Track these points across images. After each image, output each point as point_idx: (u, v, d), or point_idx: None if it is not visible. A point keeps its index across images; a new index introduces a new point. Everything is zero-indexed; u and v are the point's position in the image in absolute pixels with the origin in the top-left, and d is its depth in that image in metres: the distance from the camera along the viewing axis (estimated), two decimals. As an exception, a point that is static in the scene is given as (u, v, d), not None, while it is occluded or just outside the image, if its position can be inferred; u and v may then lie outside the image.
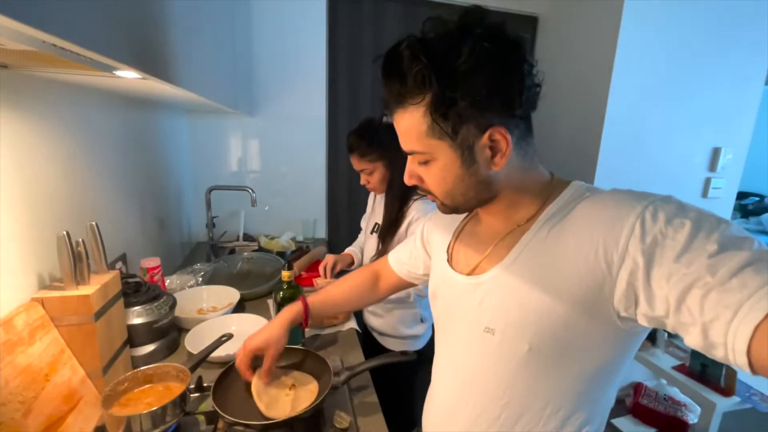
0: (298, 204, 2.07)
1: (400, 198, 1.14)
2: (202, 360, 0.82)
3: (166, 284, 1.21)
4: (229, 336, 0.91)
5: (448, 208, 0.56)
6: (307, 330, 1.05)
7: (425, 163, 0.52)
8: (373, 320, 1.30)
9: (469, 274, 0.58)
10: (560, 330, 0.47)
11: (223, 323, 1.07)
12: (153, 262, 1.12)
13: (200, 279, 1.29)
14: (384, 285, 0.88)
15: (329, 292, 0.88)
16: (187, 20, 0.78)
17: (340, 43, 1.95)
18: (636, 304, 0.41)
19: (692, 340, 0.36)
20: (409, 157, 0.55)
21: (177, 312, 1.02)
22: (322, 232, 2.13)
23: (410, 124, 0.49)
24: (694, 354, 1.77)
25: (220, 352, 0.88)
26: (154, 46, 0.57)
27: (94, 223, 0.79)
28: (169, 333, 0.99)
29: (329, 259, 1.32)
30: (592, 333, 0.47)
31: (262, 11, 1.80)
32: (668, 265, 0.38)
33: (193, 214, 1.92)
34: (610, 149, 1.80)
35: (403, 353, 0.83)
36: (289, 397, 0.75)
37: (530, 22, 2.19)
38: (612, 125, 1.77)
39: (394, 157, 1.13)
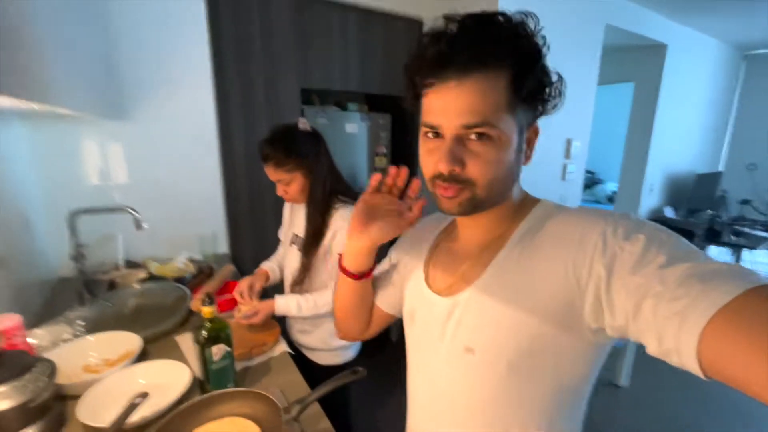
0: (190, 217, 1.82)
1: (321, 208, 1.09)
2: (116, 430, 0.67)
3: (32, 343, 0.94)
4: (144, 395, 0.76)
5: (472, 203, 0.51)
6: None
7: (481, 141, 0.47)
8: (301, 337, 1.23)
9: (445, 294, 0.57)
10: (537, 346, 0.49)
11: (126, 379, 0.88)
12: (10, 320, 0.86)
13: (80, 329, 1.04)
14: (374, 324, 0.79)
15: (370, 290, 0.74)
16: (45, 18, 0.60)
17: (225, 33, 1.75)
18: (602, 314, 0.44)
19: (651, 348, 0.38)
20: (453, 137, 0.48)
21: (58, 378, 0.80)
22: (223, 247, 1.92)
23: (490, 92, 0.46)
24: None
25: (136, 416, 0.73)
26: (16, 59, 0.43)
27: None
28: (51, 409, 0.78)
29: (244, 282, 1.19)
30: (567, 348, 0.49)
31: (123, 12, 1.50)
32: (625, 277, 0.41)
33: (48, 246, 1.53)
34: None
35: (354, 371, 0.81)
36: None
37: (416, 24, 2.30)
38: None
39: (313, 165, 1.08)
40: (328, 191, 1.11)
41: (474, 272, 0.55)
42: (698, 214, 3.43)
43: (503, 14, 0.46)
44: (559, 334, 0.48)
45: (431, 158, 0.50)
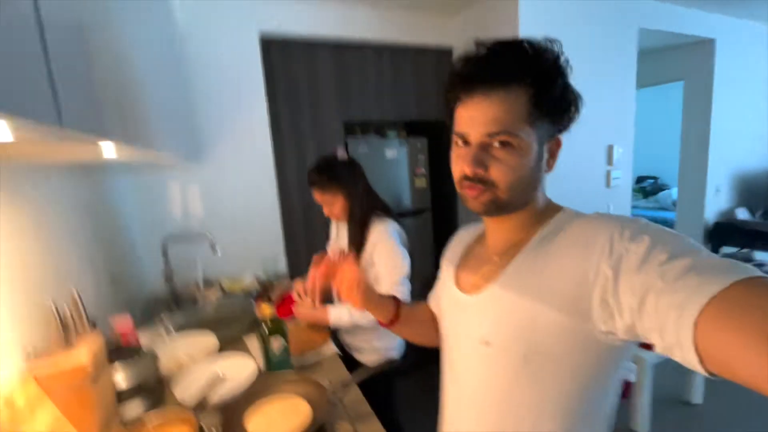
0: (254, 242, 2.09)
1: (360, 224, 1.26)
2: (201, 404, 0.86)
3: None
4: (221, 379, 0.95)
5: (496, 204, 0.56)
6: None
7: (504, 147, 0.53)
8: (347, 338, 1.38)
9: (470, 293, 0.63)
10: (550, 341, 0.51)
11: (207, 370, 1.09)
12: (124, 321, 1.12)
13: (171, 331, 1.28)
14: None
15: (417, 313, 0.83)
16: (148, 82, 0.85)
17: (278, 86, 2.06)
18: (612, 316, 0.45)
19: (657, 345, 0.39)
20: (478, 143, 0.54)
21: (158, 367, 1.03)
22: (282, 266, 2.17)
23: (511, 106, 0.52)
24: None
25: (215, 396, 0.92)
26: (132, 115, 0.65)
27: (74, 289, 0.81)
28: (155, 389, 1.00)
29: (299, 285, 1.38)
30: (578, 348, 0.51)
31: (197, 61, 1.86)
32: (630, 276, 0.42)
33: (146, 269, 1.86)
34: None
35: (390, 361, 0.94)
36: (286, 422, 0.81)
37: (446, 54, 2.48)
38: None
39: (351, 188, 1.26)
40: (366, 209, 1.28)
41: (495, 272, 0.59)
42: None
43: (528, 41, 0.53)
44: (570, 332, 0.50)
45: (459, 162, 0.57)
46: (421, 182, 2.52)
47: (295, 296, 1.36)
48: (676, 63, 3.06)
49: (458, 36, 2.43)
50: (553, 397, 0.54)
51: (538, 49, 0.53)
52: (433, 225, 2.63)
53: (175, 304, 1.63)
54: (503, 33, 2.07)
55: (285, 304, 1.44)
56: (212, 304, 1.55)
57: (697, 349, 0.34)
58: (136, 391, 0.94)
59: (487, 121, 0.53)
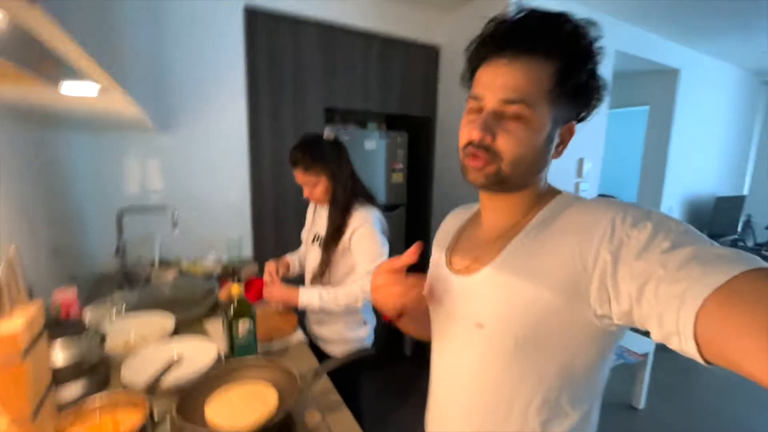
0: (219, 223, 1.97)
1: (342, 208, 1.21)
2: (153, 387, 0.77)
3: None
4: (178, 359, 0.87)
5: (498, 177, 0.53)
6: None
7: (516, 118, 0.51)
8: (317, 328, 1.32)
9: (464, 274, 0.60)
10: (544, 324, 0.50)
11: (161, 352, 0.99)
12: (67, 293, 0.99)
13: (124, 309, 1.16)
14: None
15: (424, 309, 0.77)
16: (132, 23, 0.75)
17: (259, 61, 1.95)
18: (609, 301, 0.45)
19: (654, 333, 0.39)
20: (491, 110, 0.52)
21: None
22: (248, 250, 2.06)
23: (535, 77, 0.50)
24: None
25: (170, 380, 0.83)
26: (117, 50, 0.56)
27: (12, 246, 0.70)
28: (98, 370, 0.89)
29: (270, 265, 1.33)
30: (573, 331, 0.50)
31: (175, 18, 1.72)
32: (631, 263, 0.42)
33: (96, 242, 1.69)
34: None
35: (363, 350, 0.89)
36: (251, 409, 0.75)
37: (433, 51, 2.47)
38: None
39: (336, 169, 1.20)
40: (349, 193, 1.22)
41: (490, 254, 0.57)
42: (721, 240, 3.37)
43: (568, 16, 0.50)
44: (566, 315, 0.49)
45: (468, 127, 0.54)
46: (399, 177, 2.49)
47: (266, 276, 1.28)
48: (644, 89, 3.25)
49: (447, 35, 2.43)
50: (545, 382, 0.53)
51: (575, 27, 0.50)
52: (406, 222, 2.61)
53: (127, 282, 1.49)
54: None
55: (252, 287, 1.35)
56: (169, 285, 1.43)
57: (696, 339, 0.34)
58: (77, 371, 0.84)
59: (507, 87, 0.51)
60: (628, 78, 3.32)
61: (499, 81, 0.51)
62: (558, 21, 0.50)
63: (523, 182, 0.56)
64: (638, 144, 3.37)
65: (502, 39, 0.51)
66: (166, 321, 1.13)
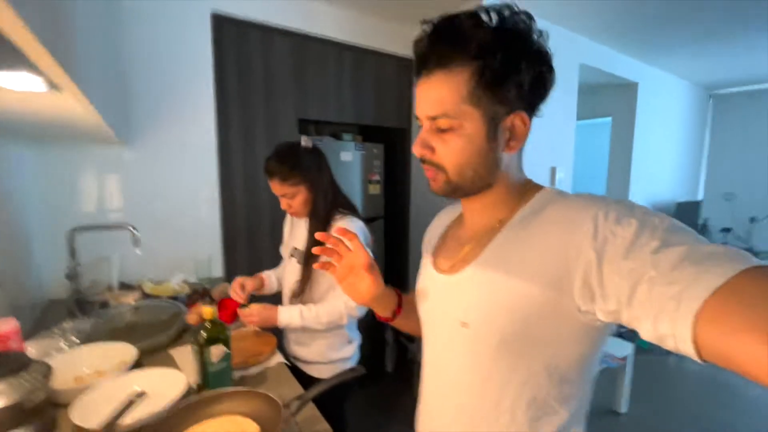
0: (187, 242, 1.83)
1: (323, 220, 1.13)
2: (111, 427, 0.66)
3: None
4: (141, 394, 0.75)
5: (450, 186, 0.55)
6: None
7: (447, 130, 0.52)
8: (298, 350, 1.22)
9: (448, 273, 0.60)
10: (526, 322, 0.50)
11: (120, 386, 0.86)
12: (5, 325, 0.86)
13: (75, 340, 1.03)
14: None
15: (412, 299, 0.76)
16: (89, 18, 0.67)
17: (229, 73, 1.87)
18: (593, 299, 0.44)
19: (646, 333, 0.38)
20: (425, 126, 0.54)
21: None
22: (218, 270, 1.93)
23: (450, 87, 0.50)
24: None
25: (131, 418, 0.72)
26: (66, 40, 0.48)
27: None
28: (44, 412, 0.76)
29: (236, 282, 1.22)
30: (558, 327, 0.49)
31: (137, 31, 1.62)
32: (618, 262, 0.41)
33: (44, 266, 1.52)
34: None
35: (352, 369, 0.82)
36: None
37: (406, 63, 2.48)
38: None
39: (315, 179, 1.13)
40: (330, 204, 1.15)
41: (474, 253, 0.57)
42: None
43: (469, 13, 0.49)
44: (549, 310, 0.48)
45: None
46: (375, 189, 2.45)
47: (232, 293, 1.18)
48: (606, 101, 3.42)
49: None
50: (532, 379, 0.52)
51: (476, 22, 0.49)
52: (384, 233, 2.56)
53: (80, 309, 1.33)
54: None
55: (226, 308, 1.24)
56: (130, 309, 1.29)
57: (694, 341, 0.34)
58: (16, 414, 0.71)
59: (429, 103, 0.53)
60: (592, 91, 3.48)
61: (422, 99, 0.53)
62: (457, 25, 0.49)
63: (481, 184, 0.56)
64: (603, 153, 3.52)
65: (418, 59, 0.53)
66: (125, 351, 1.00)
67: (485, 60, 0.48)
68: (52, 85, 0.53)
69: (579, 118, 2.70)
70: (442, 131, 0.53)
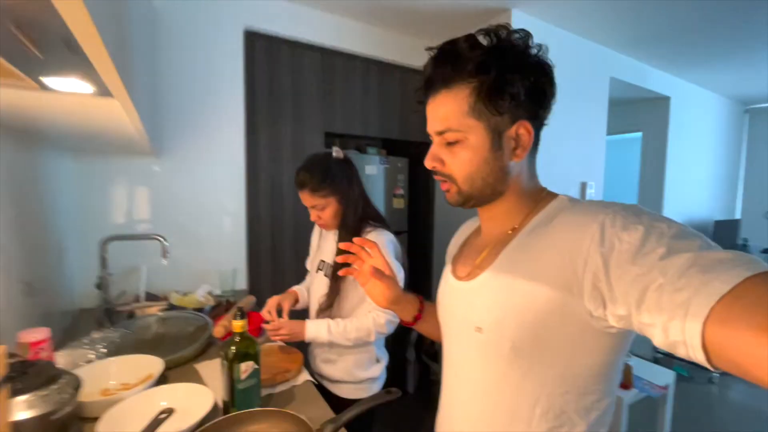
0: (212, 254, 1.84)
1: (353, 232, 1.10)
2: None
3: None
4: (169, 411, 0.72)
5: (462, 196, 0.59)
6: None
7: (454, 143, 0.56)
8: (325, 368, 1.18)
9: (465, 280, 0.62)
10: (538, 328, 0.51)
11: (147, 401, 0.84)
12: (38, 334, 0.85)
13: (103, 351, 1.01)
14: None
15: (433, 305, 0.78)
16: (132, 24, 0.67)
17: (259, 87, 1.91)
18: (603, 304, 0.45)
19: (658, 341, 0.39)
20: (435, 140, 0.58)
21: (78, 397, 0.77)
22: (242, 283, 1.92)
23: (453, 104, 0.54)
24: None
25: (159, 435, 0.69)
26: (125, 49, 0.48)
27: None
28: (72, 426, 0.74)
29: (272, 301, 1.18)
30: (570, 333, 0.49)
31: (173, 46, 1.67)
32: (625, 268, 0.41)
33: (76, 274, 1.54)
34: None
35: (388, 391, 0.77)
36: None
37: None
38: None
39: (346, 191, 1.11)
40: (360, 216, 1.13)
41: (489, 260, 0.59)
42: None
43: (467, 36, 0.54)
44: (561, 316, 0.49)
45: None
46: (399, 203, 2.42)
47: (265, 314, 1.14)
48: (636, 115, 3.32)
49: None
50: (546, 388, 0.52)
51: (472, 44, 0.53)
52: (408, 248, 2.51)
53: (108, 319, 1.33)
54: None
55: (251, 322, 1.21)
56: (157, 320, 1.28)
57: (704, 348, 0.34)
58: (43, 426, 0.69)
59: (436, 120, 0.57)
60: (621, 105, 3.39)
61: (430, 117, 0.58)
62: (460, 48, 0.53)
63: (491, 192, 0.58)
64: (632, 169, 3.40)
65: (425, 81, 0.58)
66: (152, 364, 0.98)
67: (482, 77, 0.52)
68: (105, 92, 0.53)
69: (609, 133, 2.62)
70: (450, 144, 0.56)
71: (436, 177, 0.60)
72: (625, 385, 1.91)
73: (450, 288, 0.66)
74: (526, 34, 0.54)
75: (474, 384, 0.59)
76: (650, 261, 0.39)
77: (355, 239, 0.67)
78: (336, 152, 1.15)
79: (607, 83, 2.53)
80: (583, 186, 2.46)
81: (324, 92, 2.09)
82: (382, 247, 1.09)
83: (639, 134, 3.31)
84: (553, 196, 0.59)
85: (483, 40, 0.54)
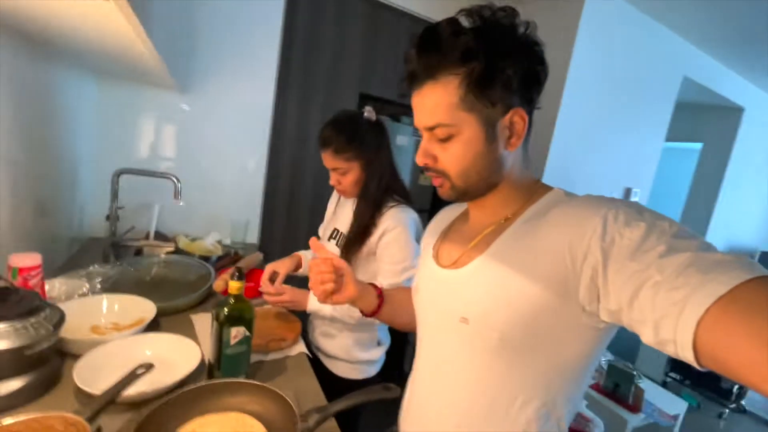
0: (227, 202, 1.78)
1: (373, 204, 1.00)
2: (105, 405, 0.57)
3: (46, 291, 0.88)
4: (148, 366, 0.67)
5: (456, 191, 0.56)
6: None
7: (446, 139, 0.53)
8: (323, 342, 1.12)
9: (450, 268, 0.60)
10: (529, 320, 0.49)
11: (132, 347, 0.79)
12: (30, 259, 0.81)
13: (98, 285, 0.97)
14: None
15: (396, 295, 0.80)
16: None
17: (297, 33, 1.77)
18: (597, 298, 0.44)
19: (646, 337, 0.38)
20: (425, 136, 0.56)
21: (63, 331, 0.73)
22: (253, 237, 1.87)
23: (441, 96, 0.51)
24: (609, 373, 1.92)
25: (134, 389, 0.64)
26: None
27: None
28: (48, 361, 0.70)
29: (268, 268, 1.08)
30: (560, 326, 0.48)
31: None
32: (623, 263, 0.40)
33: (88, 201, 1.52)
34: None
35: (386, 387, 0.69)
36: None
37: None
38: (552, 170, 1.93)
39: (372, 157, 1.00)
40: (384, 187, 1.02)
41: (478, 249, 0.57)
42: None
43: (449, 20, 0.50)
44: (552, 312, 0.48)
45: None
46: (427, 180, 2.29)
47: (263, 282, 1.05)
48: (700, 124, 3.00)
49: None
50: (530, 381, 0.52)
51: (456, 29, 0.49)
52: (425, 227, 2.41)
53: (114, 253, 1.30)
54: (557, 48, 1.88)
55: (252, 279, 1.15)
56: (159, 262, 1.24)
57: (695, 347, 0.33)
58: (20, 362, 0.65)
59: (424, 114, 0.54)
60: (686, 110, 3.08)
61: (417, 111, 0.55)
62: (442, 34, 0.49)
63: (487, 185, 0.56)
64: (680, 183, 3.13)
65: (408, 75, 0.54)
66: (146, 308, 0.93)
67: (469, 65, 0.49)
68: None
69: (667, 139, 2.38)
70: (442, 140, 0.53)
71: (427, 173, 0.58)
72: (634, 408, 1.80)
73: (432, 276, 0.63)
74: (512, 11, 0.50)
75: (454, 376, 0.58)
76: (649, 258, 0.39)
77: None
78: (368, 113, 1.03)
79: (679, 83, 2.27)
80: (627, 192, 2.26)
81: (366, 49, 1.93)
82: (401, 222, 0.99)
83: (698, 145, 3.01)
84: (547, 188, 0.58)
85: (465, 22, 0.50)
